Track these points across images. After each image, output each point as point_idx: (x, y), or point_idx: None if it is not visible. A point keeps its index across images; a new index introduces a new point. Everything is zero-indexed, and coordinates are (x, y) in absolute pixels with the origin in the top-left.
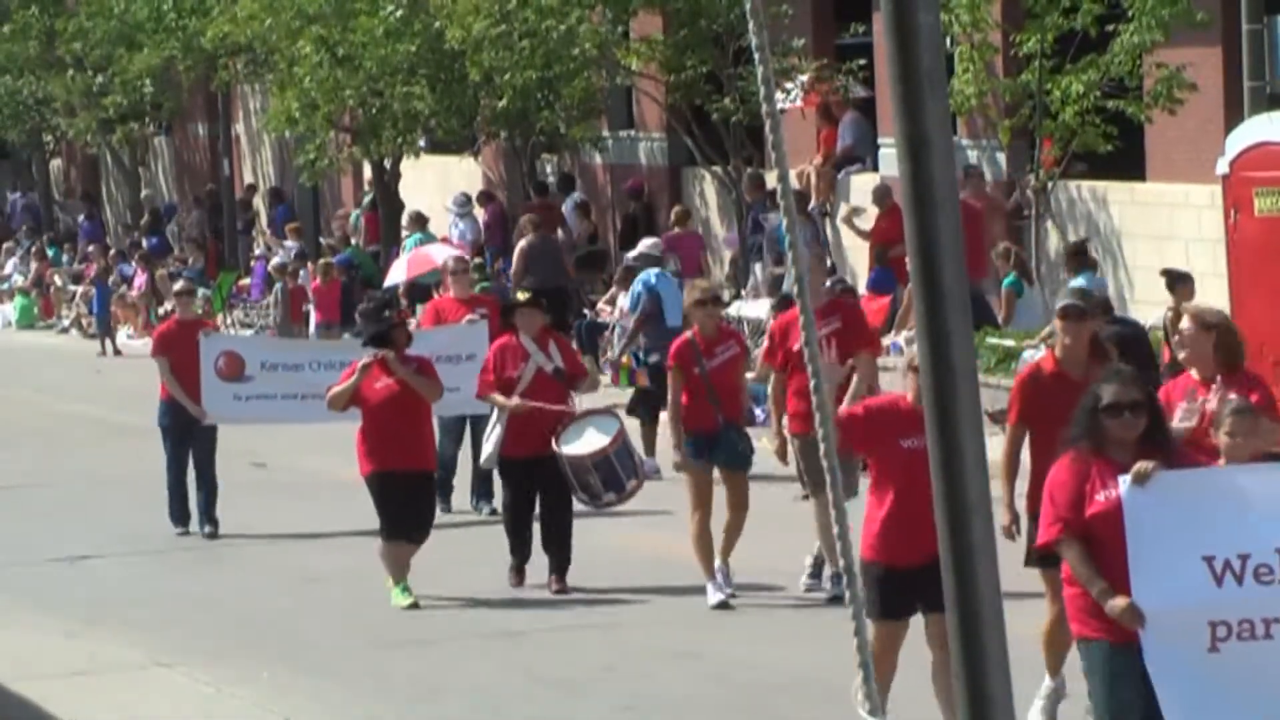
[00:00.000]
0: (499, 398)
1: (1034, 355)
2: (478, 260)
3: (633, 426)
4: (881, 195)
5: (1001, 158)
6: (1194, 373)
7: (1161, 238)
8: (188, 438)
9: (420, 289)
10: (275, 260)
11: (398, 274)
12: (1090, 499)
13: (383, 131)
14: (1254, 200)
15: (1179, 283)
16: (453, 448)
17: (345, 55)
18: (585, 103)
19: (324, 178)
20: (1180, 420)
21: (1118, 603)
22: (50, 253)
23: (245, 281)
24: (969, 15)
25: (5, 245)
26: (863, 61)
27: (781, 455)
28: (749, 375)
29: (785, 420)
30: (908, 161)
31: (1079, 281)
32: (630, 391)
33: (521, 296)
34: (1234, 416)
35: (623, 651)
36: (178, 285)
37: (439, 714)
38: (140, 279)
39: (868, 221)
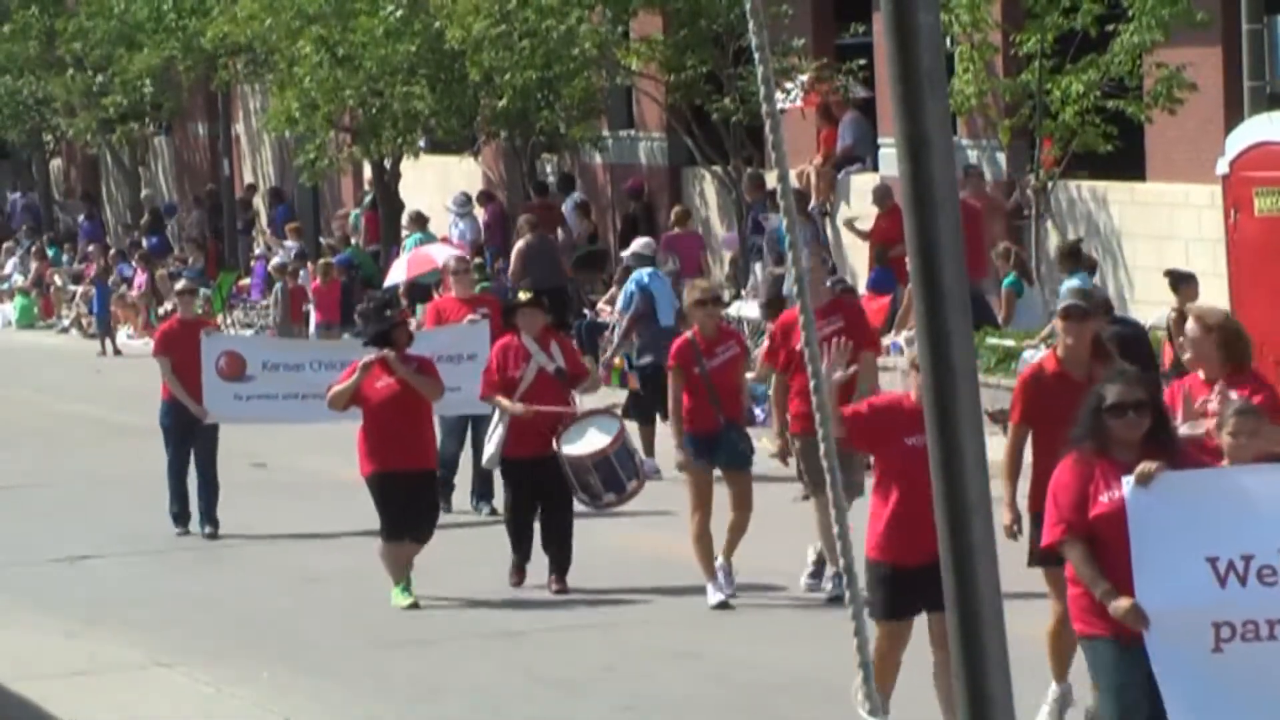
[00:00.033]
0: (504, 401)
1: (1034, 355)
2: (478, 260)
3: (633, 427)
4: (881, 195)
5: (1001, 158)
6: (1200, 374)
7: (1161, 238)
8: (189, 438)
9: (420, 289)
10: (275, 260)
11: (398, 274)
12: (1094, 500)
13: (383, 131)
14: (1254, 200)
15: (1183, 283)
16: (455, 448)
17: (345, 55)
18: (585, 103)
19: (324, 178)
20: (1186, 427)
21: (1121, 603)
22: (50, 253)
23: (245, 281)
24: (969, 15)
25: (5, 245)
26: (863, 61)
27: (783, 456)
28: (749, 375)
29: (787, 420)
30: (908, 161)
31: (1073, 282)
32: (624, 392)
33: (523, 296)
34: (1237, 417)
35: (623, 651)
36: (180, 285)
37: (439, 714)
38: (140, 279)
39: (867, 222)
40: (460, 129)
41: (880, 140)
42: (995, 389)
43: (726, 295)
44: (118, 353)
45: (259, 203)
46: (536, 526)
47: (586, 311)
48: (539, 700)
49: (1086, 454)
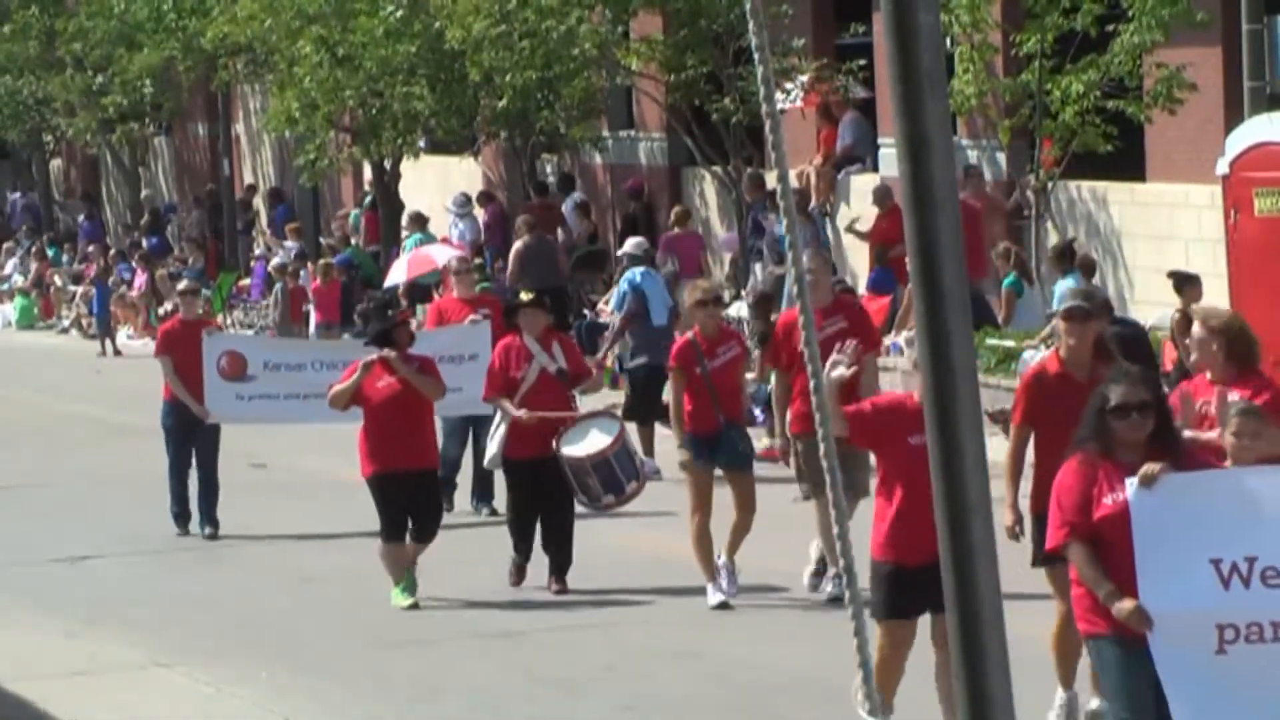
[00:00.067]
0: (508, 405)
1: (1034, 355)
2: (478, 260)
3: (632, 428)
4: (881, 195)
5: (1001, 158)
6: (1207, 375)
7: (1161, 238)
8: (191, 438)
9: (420, 289)
10: (275, 260)
11: (398, 274)
12: (1098, 502)
13: (383, 132)
14: (1254, 200)
15: (1186, 284)
16: (457, 448)
17: (345, 55)
18: (585, 103)
19: (324, 178)
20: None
21: (1125, 605)
22: (50, 253)
23: (245, 282)
24: (969, 15)
25: (5, 245)
26: (863, 61)
27: (784, 456)
28: (749, 375)
29: (788, 420)
30: (908, 161)
31: (1067, 282)
32: (619, 393)
33: (525, 297)
34: (1240, 418)
35: (623, 651)
36: (182, 285)
37: (439, 714)
38: (140, 279)
39: (867, 223)
40: (460, 129)
41: (880, 140)
42: (995, 389)
43: (727, 295)
44: (118, 353)
45: (259, 203)
46: (538, 526)
47: (586, 312)
48: (539, 700)
49: (1090, 455)
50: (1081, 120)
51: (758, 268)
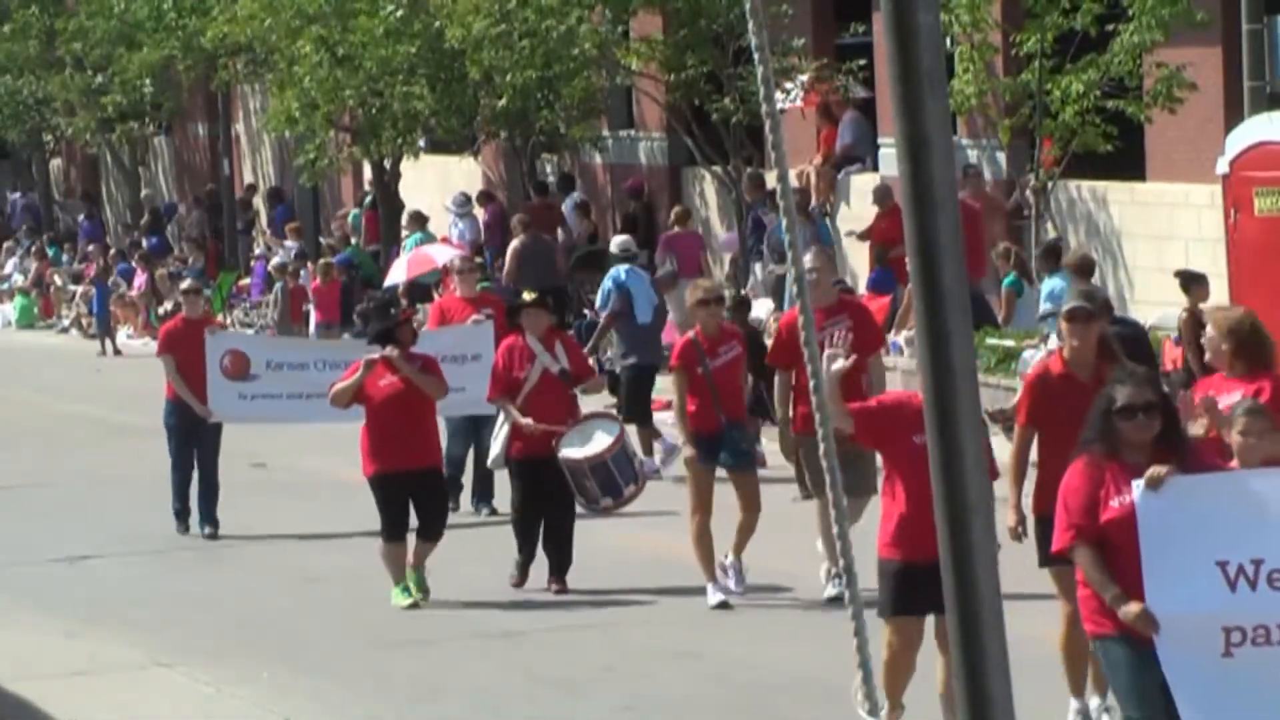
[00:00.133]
0: (513, 410)
1: (1034, 355)
2: (478, 260)
3: (632, 429)
4: (881, 195)
5: (1001, 158)
6: (1224, 374)
7: (1161, 238)
8: (193, 437)
9: (420, 289)
10: (275, 260)
11: (398, 274)
12: (1104, 504)
13: (383, 131)
14: (1254, 200)
15: (1193, 284)
16: (461, 448)
17: (345, 55)
18: (585, 102)
19: (324, 178)
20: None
21: (1131, 608)
22: (50, 252)
23: (245, 281)
24: (969, 15)
25: (5, 245)
26: (863, 61)
27: (788, 453)
28: (749, 375)
29: (789, 419)
30: (908, 161)
31: (1054, 282)
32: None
33: (528, 297)
34: (1247, 417)
35: (623, 651)
36: (184, 284)
37: (439, 714)
38: (140, 279)
39: (865, 223)
40: (460, 129)
41: (880, 140)
42: (995, 389)
43: (727, 295)
44: (118, 353)
45: (259, 203)
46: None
47: (586, 311)
48: (539, 700)
49: (1097, 457)
50: (1081, 120)
51: (758, 267)
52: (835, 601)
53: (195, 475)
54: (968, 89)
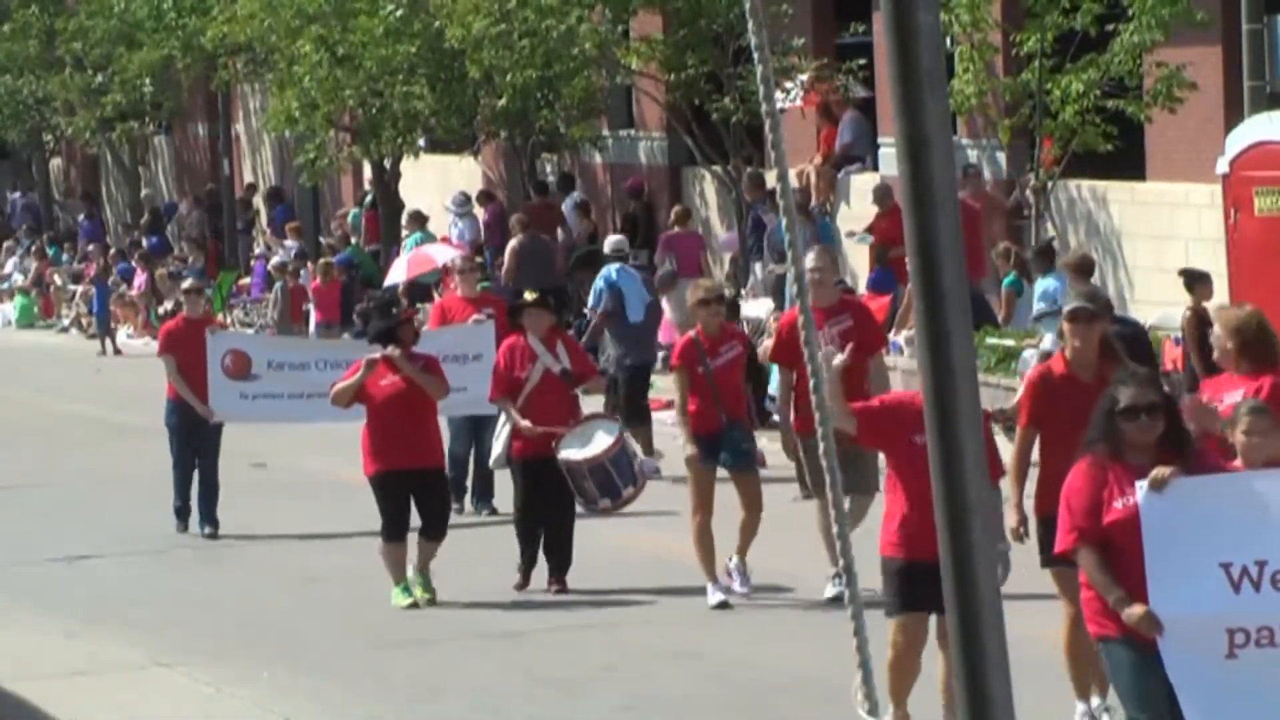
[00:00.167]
0: (514, 412)
1: (1034, 355)
2: (478, 260)
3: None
4: (881, 195)
5: (1001, 157)
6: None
7: (1161, 237)
8: (194, 437)
9: (420, 288)
10: (275, 259)
11: (398, 274)
12: (1108, 506)
13: (383, 131)
14: (1254, 200)
15: (1197, 282)
16: (464, 447)
17: (345, 55)
18: (585, 102)
19: (324, 177)
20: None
21: (1135, 610)
22: (50, 252)
23: (245, 281)
24: (969, 15)
25: (5, 245)
26: (863, 61)
27: (789, 452)
28: None
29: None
30: (908, 161)
31: (1047, 282)
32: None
33: (529, 296)
34: (1250, 416)
35: (623, 651)
36: (186, 284)
37: (439, 714)
38: (140, 278)
39: (863, 223)
40: (460, 128)
41: (880, 140)
42: (995, 389)
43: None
44: (118, 352)
45: (259, 202)
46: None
47: (586, 311)
48: (539, 700)
49: (1100, 458)
50: (1081, 120)
51: (758, 267)
52: (835, 601)
53: (195, 475)
54: (968, 89)
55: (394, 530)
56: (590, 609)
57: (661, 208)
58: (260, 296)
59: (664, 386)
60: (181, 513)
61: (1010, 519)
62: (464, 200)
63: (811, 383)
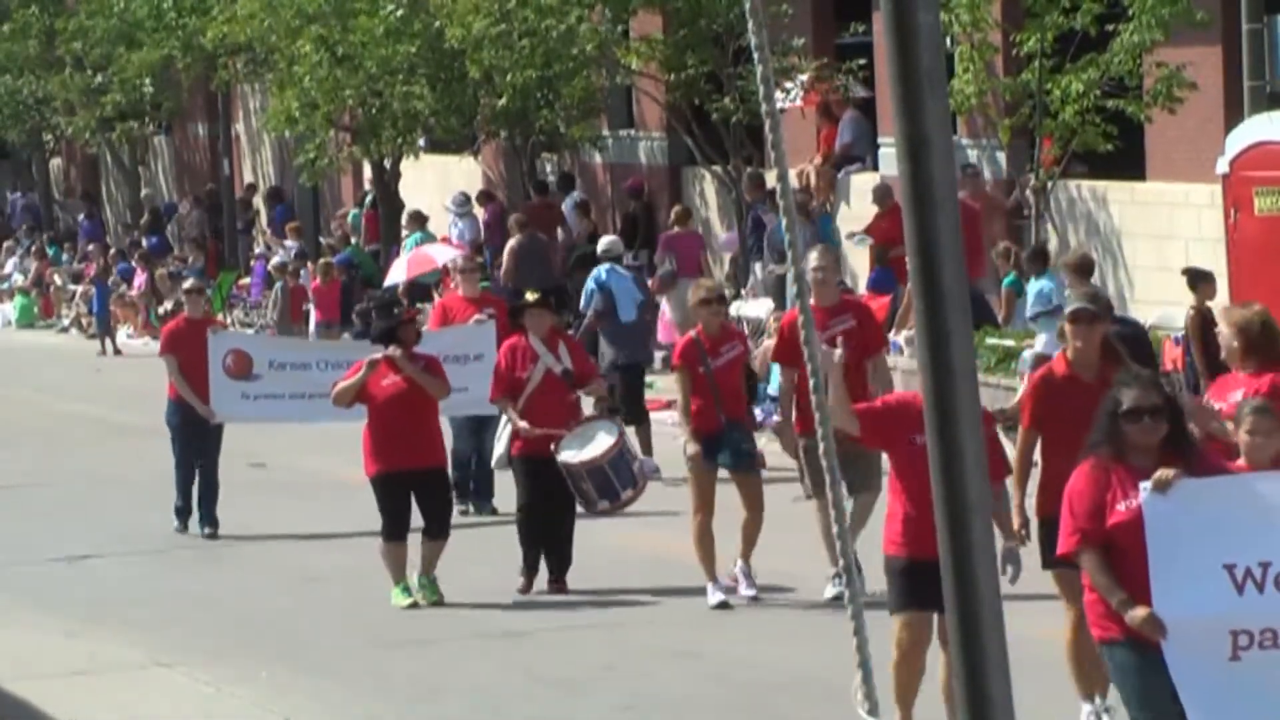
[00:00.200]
0: (513, 413)
1: (1033, 354)
2: (478, 260)
3: (630, 431)
4: (881, 195)
5: (1001, 157)
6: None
7: (1161, 237)
8: (195, 437)
9: (420, 288)
10: (275, 260)
11: (398, 273)
12: (1111, 508)
13: (383, 131)
14: (1254, 200)
15: (1200, 281)
16: (466, 449)
17: (345, 55)
18: (585, 102)
19: (324, 177)
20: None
21: (1138, 613)
22: (50, 252)
23: (245, 281)
24: (969, 15)
25: (5, 245)
26: (863, 61)
27: (791, 452)
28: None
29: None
30: (908, 161)
31: (1041, 284)
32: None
33: (530, 297)
34: (1254, 415)
35: (623, 651)
36: (187, 284)
37: (439, 714)
38: (140, 278)
39: (862, 223)
40: (460, 128)
41: (880, 140)
42: (995, 389)
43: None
44: (118, 352)
45: (259, 202)
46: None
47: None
48: (539, 700)
49: (1103, 460)
50: (1081, 120)
51: (758, 267)
52: (836, 601)
53: (196, 475)
54: (968, 89)
55: (394, 530)
56: (590, 609)
57: (661, 208)
58: (260, 297)
59: (663, 387)
60: (182, 513)
61: (1013, 520)
62: (464, 200)
63: (811, 383)
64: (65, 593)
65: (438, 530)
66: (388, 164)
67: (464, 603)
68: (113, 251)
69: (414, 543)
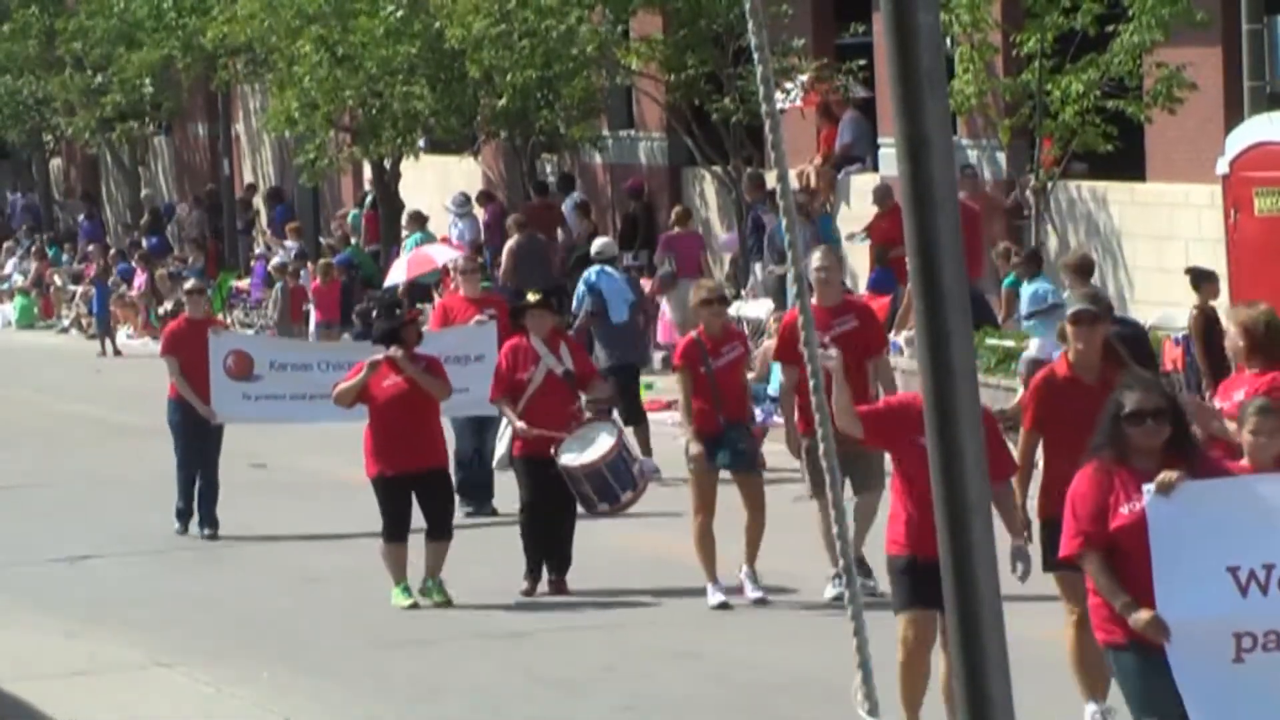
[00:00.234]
0: (512, 414)
1: (1028, 359)
2: (479, 260)
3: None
4: (881, 195)
5: (1001, 157)
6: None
7: (1161, 238)
8: (196, 437)
9: (420, 289)
10: (275, 260)
11: (398, 274)
12: (1114, 511)
13: (383, 131)
14: (1254, 200)
15: (1204, 281)
16: (468, 449)
17: (345, 55)
18: (585, 102)
19: (324, 178)
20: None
21: (1142, 616)
22: (50, 252)
23: (245, 281)
24: (969, 15)
25: (5, 245)
26: (863, 61)
27: (795, 451)
28: (749, 375)
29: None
30: (908, 161)
31: (1035, 286)
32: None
33: (532, 298)
34: (1257, 416)
35: (623, 651)
36: (188, 284)
37: (439, 714)
38: (140, 279)
39: (861, 223)
40: (460, 129)
41: (880, 140)
42: (995, 389)
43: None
44: (118, 353)
45: (259, 202)
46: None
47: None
48: (539, 700)
49: (1106, 463)
50: (1081, 120)
51: (758, 267)
52: (836, 602)
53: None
54: (968, 89)
55: (395, 530)
56: (590, 609)
57: (661, 208)
58: (259, 299)
59: (663, 387)
60: (183, 515)
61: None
62: (464, 200)
63: (811, 383)
64: (65, 593)
65: (440, 531)
66: (388, 164)
67: (464, 603)
68: (113, 252)
69: (414, 543)
